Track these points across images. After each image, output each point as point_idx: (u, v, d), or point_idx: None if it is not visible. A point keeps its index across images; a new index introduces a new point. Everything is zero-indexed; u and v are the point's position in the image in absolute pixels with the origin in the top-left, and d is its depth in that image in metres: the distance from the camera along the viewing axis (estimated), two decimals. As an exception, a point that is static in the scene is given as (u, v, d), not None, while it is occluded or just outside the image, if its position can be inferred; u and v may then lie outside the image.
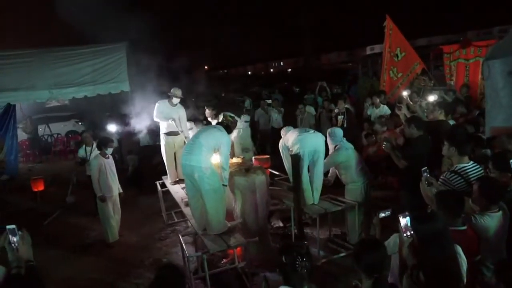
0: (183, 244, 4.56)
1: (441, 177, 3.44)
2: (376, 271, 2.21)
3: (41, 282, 2.22)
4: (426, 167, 3.43)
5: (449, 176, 3.35)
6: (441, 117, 5.49)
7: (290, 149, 5.14)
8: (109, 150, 6.10)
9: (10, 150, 9.79)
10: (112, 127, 8.34)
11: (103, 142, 6.09)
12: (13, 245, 2.21)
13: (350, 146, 5.26)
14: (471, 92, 8.36)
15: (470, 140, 3.66)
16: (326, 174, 5.44)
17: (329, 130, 5.48)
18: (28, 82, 8.61)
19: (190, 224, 5.18)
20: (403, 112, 6.30)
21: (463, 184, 3.32)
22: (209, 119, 7.26)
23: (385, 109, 8.48)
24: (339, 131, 5.36)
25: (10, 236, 2.23)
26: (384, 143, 4.70)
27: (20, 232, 2.26)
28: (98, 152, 6.14)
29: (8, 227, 2.24)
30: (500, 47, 3.98)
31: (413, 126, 4.49)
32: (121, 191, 6.24)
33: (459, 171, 3.37)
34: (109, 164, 6.03)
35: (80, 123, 15.06)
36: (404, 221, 2.46)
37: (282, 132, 5.70)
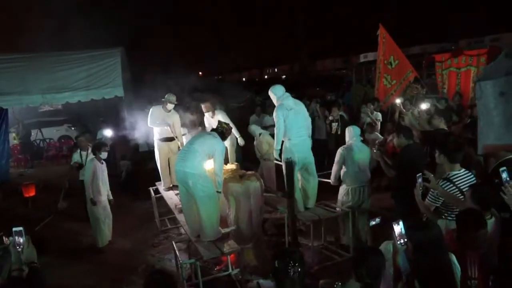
0: (177, 251, 4.55)
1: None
2: (369, 278, 2.22)
3: (41, 284, 2.20)
4: (420, 174, 3.45)
5: (442, 184, 3.39)
6: (442, 125, 5.51)
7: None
8: (104, 155, 6.11)
9: (1, 154, 9.72)
10: (108, 132, 8.30)
11: (97, 147, 6.10)
12: (18, 247, 2.20)
13: (349, 146, 5.28)
14: (462, 100, 8.46)
15: (461, 148, 3.70)
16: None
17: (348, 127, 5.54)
18: (21, 86, 8.55)
19: (183, 231, 5.16)
20: (406, 123, 6.38)
21: (456, 192, 3.36)
22: (206, 114, 6.77)
23: (379, 116, 8.58)
24: (355, 130, 5.36)
25: (16, 238, 2.21)
26: (374, 151, 4.74)
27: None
28: (93, 156, 6.12)
29: (14, 228, 2.23)
30: (492, 68, 4.07)
31: (401, 135, 4.56)
32: (111, 197, 6.21)
33: (451, 178, 3.41)
34: (102, 169, 6.03)
35: (73, 128, 14.96)
36: (398, 228, 2.47)
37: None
